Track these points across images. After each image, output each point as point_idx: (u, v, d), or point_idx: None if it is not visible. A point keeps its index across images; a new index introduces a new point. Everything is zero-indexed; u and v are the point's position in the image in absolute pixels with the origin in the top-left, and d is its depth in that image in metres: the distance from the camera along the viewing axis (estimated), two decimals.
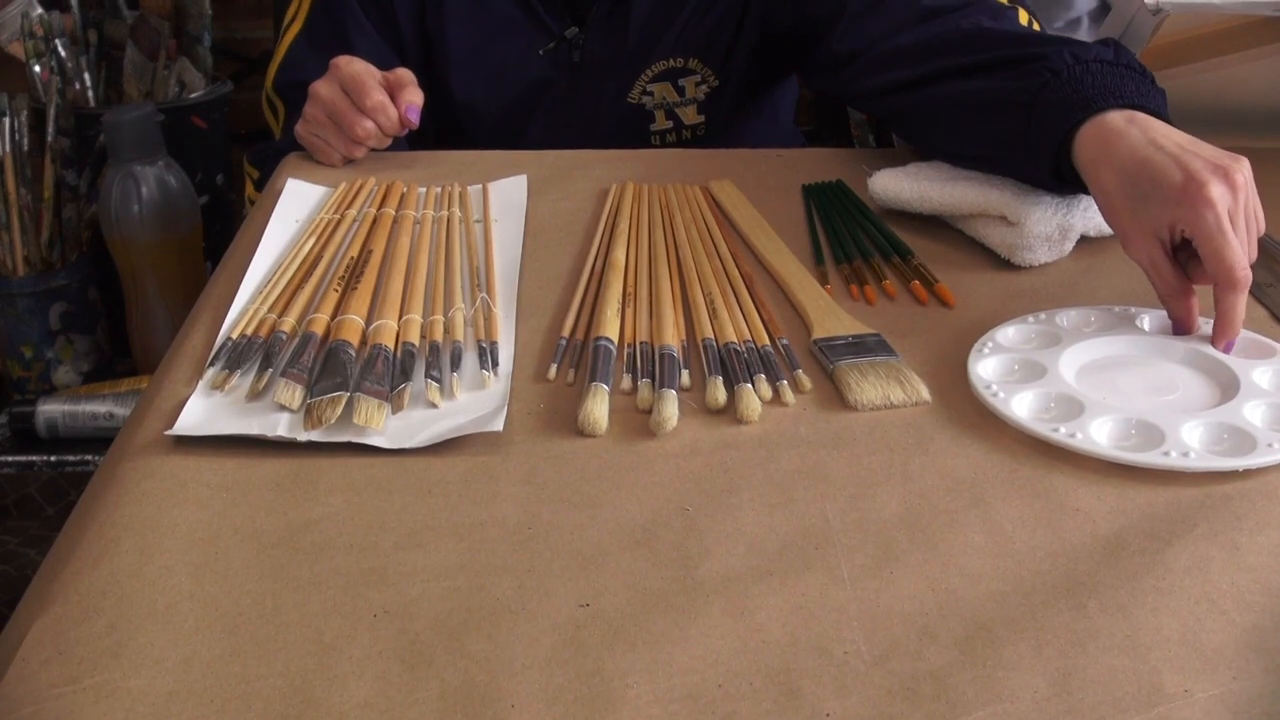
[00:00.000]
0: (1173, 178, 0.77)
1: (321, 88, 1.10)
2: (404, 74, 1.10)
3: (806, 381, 0.76)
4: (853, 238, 0.97)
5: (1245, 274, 0.75)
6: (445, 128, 1.30)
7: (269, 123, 1.35)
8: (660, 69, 1.28)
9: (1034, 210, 0.90)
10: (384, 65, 1.19)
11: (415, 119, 1.08)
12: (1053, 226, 0.90)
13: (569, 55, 1.27)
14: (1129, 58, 0.93)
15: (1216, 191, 0.75)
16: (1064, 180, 0.90)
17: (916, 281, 0.89)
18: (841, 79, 1.17)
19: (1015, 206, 0.90)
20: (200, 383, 0.75)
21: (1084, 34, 1.65)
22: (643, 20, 1.25)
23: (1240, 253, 0.75)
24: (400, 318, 0.81)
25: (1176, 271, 0.79)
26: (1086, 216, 0.92)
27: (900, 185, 0.99)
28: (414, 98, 1.08)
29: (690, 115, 1.31)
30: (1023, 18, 1.10)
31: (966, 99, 0.99)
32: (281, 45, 1.30)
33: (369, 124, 1.07)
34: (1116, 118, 0.85)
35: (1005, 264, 0.92)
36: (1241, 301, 0.76)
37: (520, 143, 1.29)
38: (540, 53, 1.27)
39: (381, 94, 1.07)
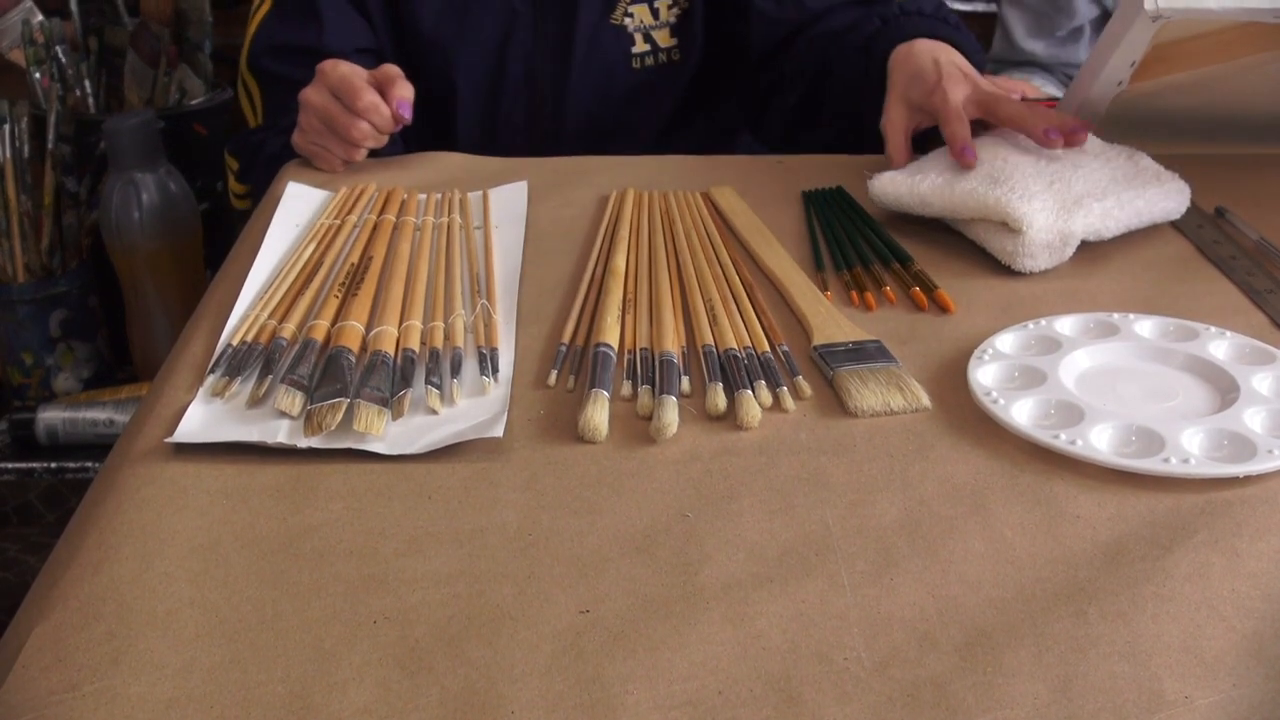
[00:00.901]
0: (931, 76, 1.07)
1: (312, 95, 1.10)
2: (390, 69, 1.11)
3: (806, 388, 0.76)
4: (853, 244, 0.97)
5: (954, 108, 1.03)
6: (426, 89, 1.31)
7: (244, 111, 1.35)
8: None
9: (1035, 217, 0.90)
10: (350, 24, 1.25)
11: (408, 114, 1.09)
12: (1054, 234, 0.90)
13: None
14: (946, 13, 1.21)
15: (952, 86, 1.04)
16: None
17: (916, 288, 0.89)
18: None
19: (1016, 213, 0.90)
20: (200, 390, 0.75)
21: (1086, 42, 1.66)
22: None
23: (950, 101, 1.03)
24: (400, 324, 0.81)
25: (904, 134, 1.10)
26: (1087, 222, 0.91)
27: (899, 189, 0.99)
28: (404, 92, 1.09)
29: (664, 38, 1.35)
30: None
31: (830, 60, 1.26)
32: (250, 26, 1.31)
33: (364, 125, 1.08)
34: (923, 42, 1.12)
35: (1004, 271, 0.92)
36: (957, 124, 1.02)
37: (502, 81, 1.32)
38: None
39: (372, 94, 1.08)
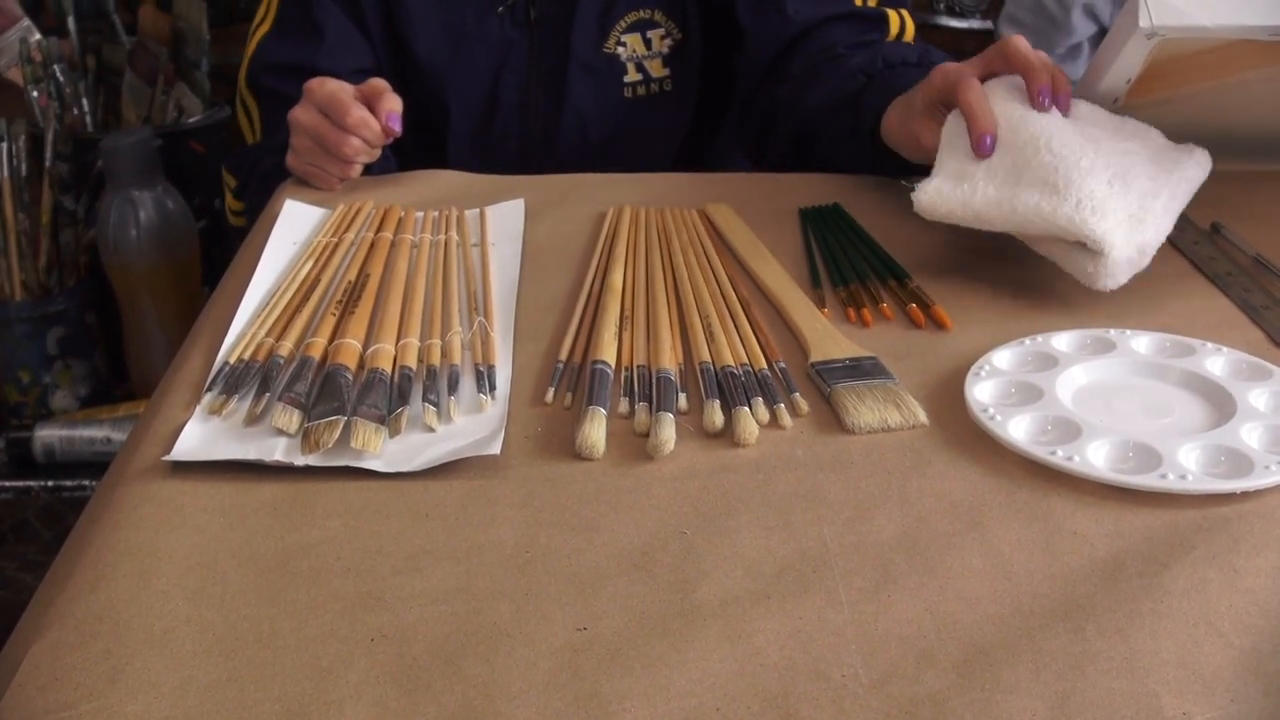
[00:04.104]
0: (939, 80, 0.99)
1: (301, 114, 1.10)
2: (378, 83, 1.11)
3: (804, 404, 0.76)
4: (849, 260, 0.97)
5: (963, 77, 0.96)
6: (419, 111, 1.31)
7: (243, 128, 1.36)
8: (632, 20, 1.33)
9: (1114, 235, 0.84)
10: (350, 44, 1.26)
11: (398, 126, 1.09)
12: (1132, 248, 0.85)
13: (526, 12, 1.32)
14: (933, 56, 1.19)
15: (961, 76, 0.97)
16: (881, 156, 1.10)
17: (913, 305, 0.89)
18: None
19: (1095, 234, 0.84)
20: (198, 408, 0.75)
21: (1085, 59, 1.67)
22: None
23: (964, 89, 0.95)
24: (398, 341, 0.81)
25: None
26: (1156, 226, 0.87)
27: (951, 204, 0.91)
28: (393, 105, 1.10)
29: (657, 69, 1.36)
30: (892, 23, 1.30)
31: (820, 111, 1.22)
32: (250, 44, 1.32)
33: (355, 141, 1.08)
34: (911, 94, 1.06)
35: (1001, 287, 0.92)
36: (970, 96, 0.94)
37: (495, 108, 1.34)
38: (499, 10, 1.31)
39: (361, 109, 1.08)
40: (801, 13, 1.29)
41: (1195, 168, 0.95)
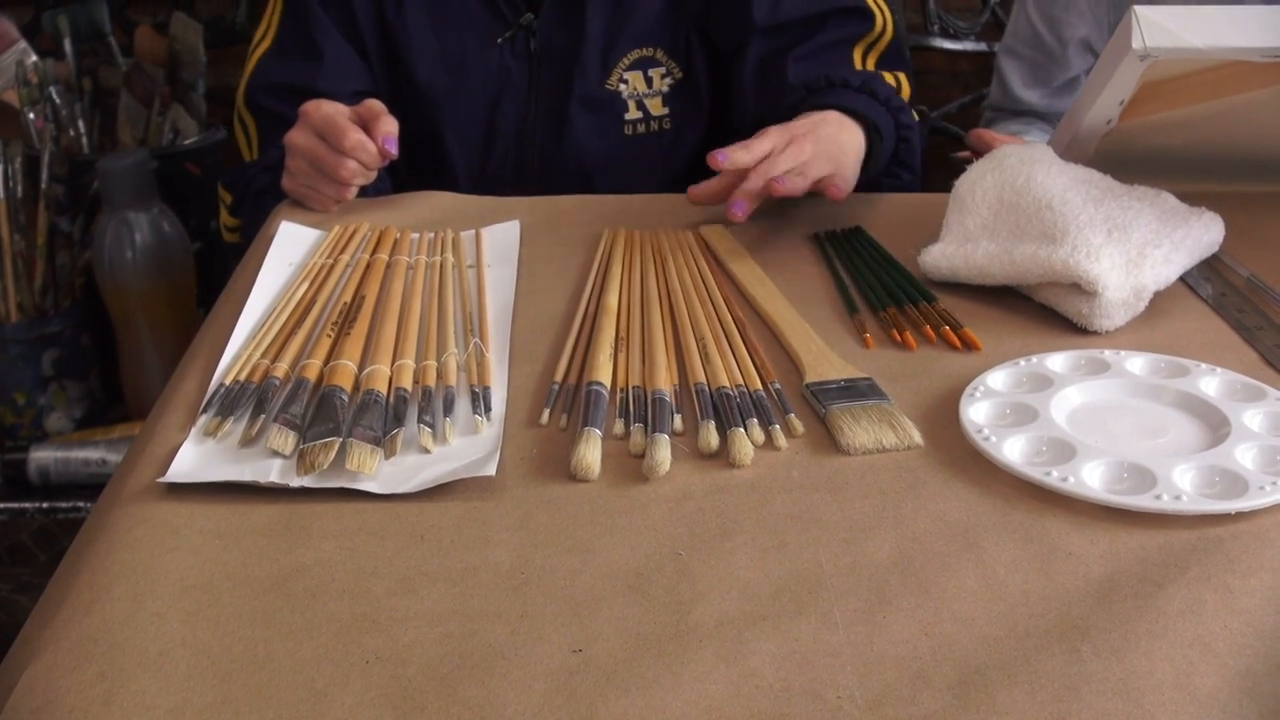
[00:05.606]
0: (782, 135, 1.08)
1: (297, 137, 1.10)
2: (373, 104, 1.11)
3: (799, 425, 0.76)
4: (882, 285, 0.97)
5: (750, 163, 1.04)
6: (415, 139, 1.31)
7: (240, 146, 1.36)
8: (635, 57, 1.33)
9: (1109, 277, 0.87)
10: (350, 66, 1.25)
11: (394, 149, 1.09)
12: (1127, 291, 0.88)
13: (527, 43, 1.32)
14: (876, 86, 1.22)
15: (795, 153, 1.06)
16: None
17: (946, 327, 0.88)
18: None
19: (1089, 275, 0.86)
20: (193, 429, 0.75)
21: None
22: (603, 7, 1.30)
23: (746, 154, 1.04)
24: (393, 363, 0.81)
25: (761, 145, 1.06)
26: (1155, 273, 0.89)
27: (954, 262, 0.96)
28: (389, 128, 1.09)
29: (656, 107, 1.36)
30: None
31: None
32: (249, 63, 1.32)
33: (352, 164, 1.08)
34: (834, 116, 1.14)
35: (994, 307, 0.93)
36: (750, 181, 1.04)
37: (493, 137, 1.33)
38: (499, 41, 1.31)
39: (358, 132, 1.08)
40: (801, 76, 1.28)
41: (1203, 228, 0.97)
